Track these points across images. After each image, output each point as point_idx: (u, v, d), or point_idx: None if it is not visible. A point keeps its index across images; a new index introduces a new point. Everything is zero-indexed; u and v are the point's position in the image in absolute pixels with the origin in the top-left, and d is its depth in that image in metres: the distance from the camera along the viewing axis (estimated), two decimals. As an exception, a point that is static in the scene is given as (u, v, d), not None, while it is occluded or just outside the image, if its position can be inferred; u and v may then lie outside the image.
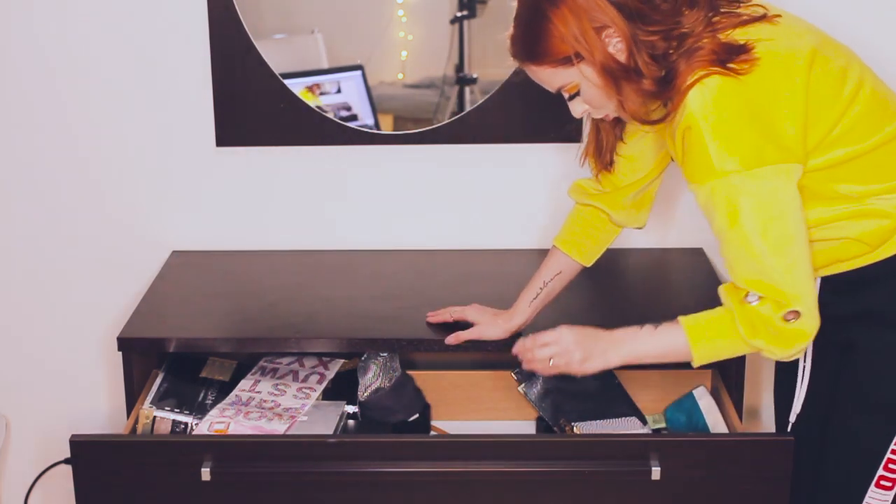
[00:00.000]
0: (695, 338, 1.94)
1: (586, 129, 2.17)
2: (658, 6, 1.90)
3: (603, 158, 2.15)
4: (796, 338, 1.88)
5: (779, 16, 1.94)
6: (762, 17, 1.92)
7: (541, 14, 1.91)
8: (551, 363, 2.05)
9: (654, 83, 1.89)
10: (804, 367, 2.11)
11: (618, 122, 2.10)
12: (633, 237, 2.65)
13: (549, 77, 1.96)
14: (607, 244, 2.27)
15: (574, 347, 2.03)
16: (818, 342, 1.95)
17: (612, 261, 2.62)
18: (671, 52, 1.89)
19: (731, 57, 1.87)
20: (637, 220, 2.25)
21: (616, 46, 1.89)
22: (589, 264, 2.26)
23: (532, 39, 1.93)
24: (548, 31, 1.91)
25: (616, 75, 1.90)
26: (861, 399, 2.02)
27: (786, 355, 1.90)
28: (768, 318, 1.87)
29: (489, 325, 2.23)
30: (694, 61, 1.87)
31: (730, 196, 1.85)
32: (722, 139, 1.84)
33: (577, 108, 2.00)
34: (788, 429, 2.15)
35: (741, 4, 1.94)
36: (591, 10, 1.88)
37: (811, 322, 1.88)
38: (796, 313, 1.87)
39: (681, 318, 1.96)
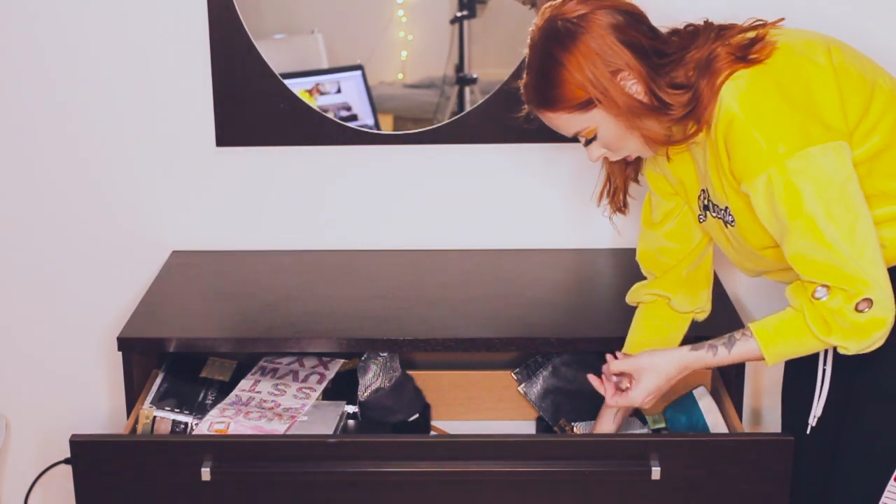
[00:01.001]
0: (765, 342, 1.91)
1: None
2: (668, 39, 1.91)
3: (616, 200, 2.14)
4: (872, 327, 1.84)
5: (782, 19, 1.94)
6: (766, 24, 1.93)
7: (554, 60, 1.89)
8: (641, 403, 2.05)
9: (683, 108, 1.88)
10: (825, 369, 2.09)
11: (630, 163, 2.10)
12: (633, 237, 2.64)
13: (566, 123, 1.95)
14: (680, 338, 2.22)
15: (654, 394, 2.02)
16: None
17: (612, 260, 2.62)
18: (691, 74, 1.89)
19: (748, 51, 1.87)
20: (697, 300, 2.20)
21: (633, 88, 1.89)
22: (700, 314, 2.23)
23: (546, 86, 1.92)
24: (562, 78, 1.90)
25: (639, 114, 1.89)
26: (880, 395, 2.01)
27: (863, 347, 1.86)
28: (839, 312, 1.83)
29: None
30: (714, 69, 1.87)
31: (787, 182, 1.82)
32: (765, 125, 1.82)
33: (594, 153, 1.99)
34: (808, 430, 2.14)
35: (742, 24, 1.96)
36: (604, 55, 1.87)
37: (886, 308, 1.83)
38: (868, 301, 1.82)
39: (751, 325, 1.94)
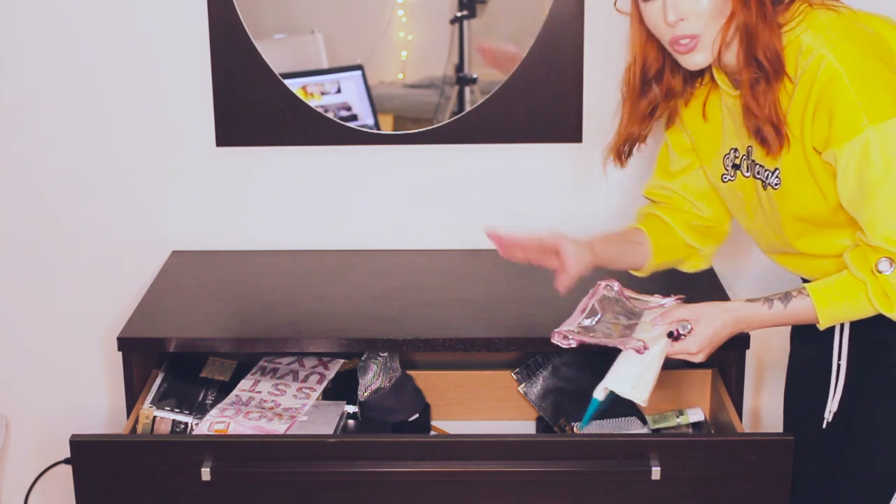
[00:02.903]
0: (821, 304, 1.89)
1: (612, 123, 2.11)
2: None
3: (622, 149, 2.08)
4: None
5: None
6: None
7: None
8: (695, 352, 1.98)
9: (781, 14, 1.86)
10: (839, 364, 2.08)
11: (649, 117, 2.04)
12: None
13: None
14: (672, 258, 2.18)
15: (708, 343, 1.96)
16: (854, 340, 1.95)
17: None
18: None
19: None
20: (705, 243, 2.17)
21: None
22: (656, 259, 2.15)
23: None
24: None
25: (762, 4, 1.84)
26: (890, 391, 2.01)
27: None
28: None
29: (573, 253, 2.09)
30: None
31: (883, 146, 1.80)
32: (867, 87, 1.79)
33: (682, 5, 1.86)
34: (824, 425, 2.12)
35: None
36: None
37: None
38: None
39: (807, 286, 1.91)
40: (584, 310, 2.02)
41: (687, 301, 2.03)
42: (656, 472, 2.00)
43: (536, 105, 2.56)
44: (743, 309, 1.95)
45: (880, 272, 1.84)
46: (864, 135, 1.80)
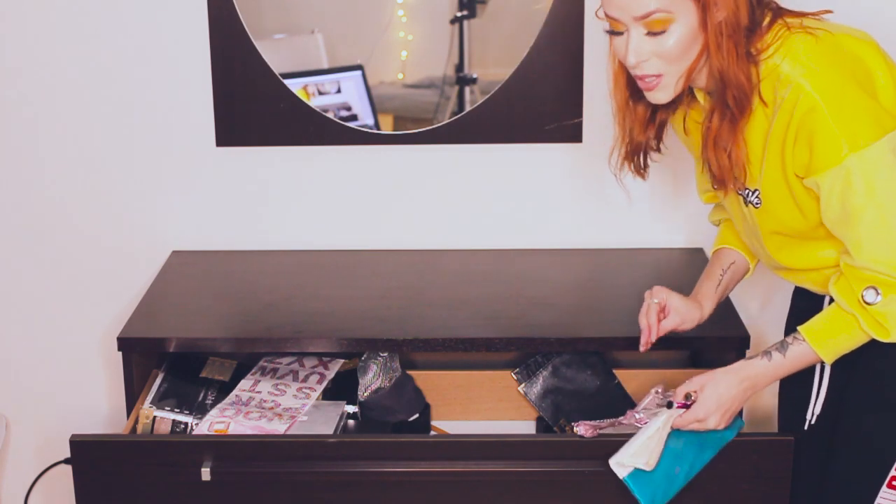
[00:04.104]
0: (817, 342, 1.91)
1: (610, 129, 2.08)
2: None
3: (636, 161, 2.05)
4: None
5: (829, 11, 1.93)
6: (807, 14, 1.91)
7: None
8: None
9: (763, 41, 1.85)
10: (822, 367, 2.09)
11: (650, 123, 2.02)
12: (633, 237, 2.65)
13: None
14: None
15: (720, 409, 1.98)
16: None
17: (612, 260, 2.62)
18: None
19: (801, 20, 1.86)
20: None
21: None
22: (753, 264, 2.16)
23: None
24: None
25: (729, 31, 1.81)
26: (875, 397, 2.01)
27: None
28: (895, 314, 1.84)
29: (688, 317, 2.10)
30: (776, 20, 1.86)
31: (865, 173, 1.80)
32: (846, 116, 1.80)
33: (643, 49, 1.84)
34: (805, 426, 2.12)
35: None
36: None
37: None
38: None
39: (800, 329, 1.93)
40: (635, 414, 2.07)
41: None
42: (656, 472, 2.00)
43: (536, 105, 2.56)
44: (746, 368, 1.97)
45: (867, 303, 1.86)
46: (845, 163, 1.81)
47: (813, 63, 1.83)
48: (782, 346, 1.95)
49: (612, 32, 1.88)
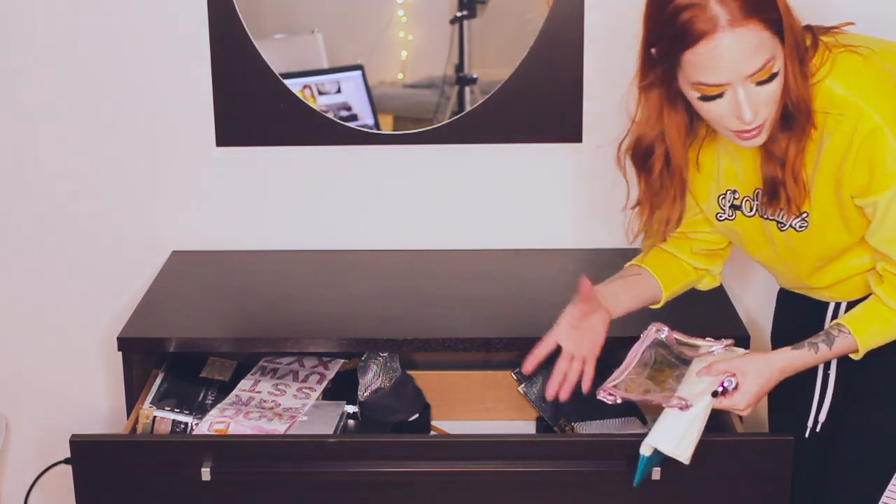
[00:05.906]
0: (862, 337, 1.91)
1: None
2: None
3: (661, 232, 2.03)
4: None
5: (851, 23, 1.92)
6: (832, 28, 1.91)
7: None
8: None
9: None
10: (827, 373, 2.08)
11: (679, 200, 1.99)
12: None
13: (755, 44, 1.74)
14: (682, 283, 2.13)
15: (756, 397, 1.95)
16: None
17: (613, 261, 2.62)
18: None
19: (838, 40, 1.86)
20: (713, 264, 2.14)
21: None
22: (667, 290, 2.10)
23: None
24: None
25: (799, 56, 1.80)
26: (882, 394, 2.01)
27: None
28: None
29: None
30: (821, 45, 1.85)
31: None
32: None
33: (756, 100, 1.78)
34: (818, 429, 2.12)
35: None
36: None
37: None
38: None
39: (843, 321, 1.92)
40: (636, 355, 2.01)
41: (737, 344, 2.03)
42: (656, 472, 2.00)
43: (536, 105, 2.56)
44: (788, 358, 1.95)
45: None
46: None
47: (868, 84, 1.83)
48: (828, 339, 1.92)
49: (708, 98, 1.80)
